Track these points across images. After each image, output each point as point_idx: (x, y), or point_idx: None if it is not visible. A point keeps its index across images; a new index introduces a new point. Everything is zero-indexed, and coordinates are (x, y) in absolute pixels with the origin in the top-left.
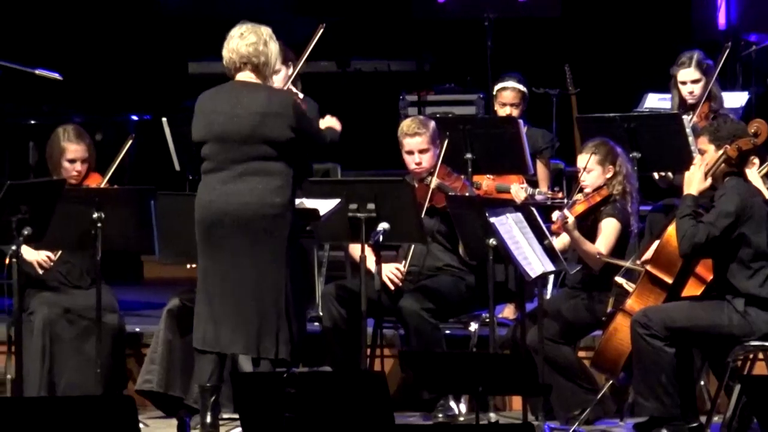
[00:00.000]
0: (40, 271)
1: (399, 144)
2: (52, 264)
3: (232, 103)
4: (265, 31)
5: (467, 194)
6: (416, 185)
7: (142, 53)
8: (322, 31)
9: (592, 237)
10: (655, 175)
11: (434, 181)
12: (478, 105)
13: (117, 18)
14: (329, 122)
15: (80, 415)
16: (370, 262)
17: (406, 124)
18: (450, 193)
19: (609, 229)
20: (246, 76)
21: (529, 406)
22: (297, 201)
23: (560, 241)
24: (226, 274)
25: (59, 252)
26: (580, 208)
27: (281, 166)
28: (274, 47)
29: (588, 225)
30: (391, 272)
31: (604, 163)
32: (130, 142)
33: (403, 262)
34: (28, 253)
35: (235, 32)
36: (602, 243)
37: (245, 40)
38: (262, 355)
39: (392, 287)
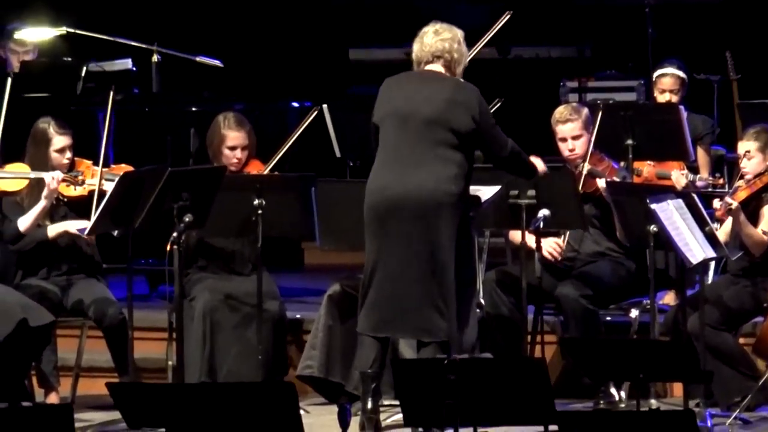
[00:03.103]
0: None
1: (552, 131)
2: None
3: (419, 87)
4: (459, 32)
5: (616, 179)
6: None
7: (303, 40)
8: (508, 17)
9: (753, 223)
10: None
11: (586, 167)
12: (639, 91)
13: (278, 5)
14: (534, 161)
15: (241, 401)
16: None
17: (558, 112)
18: (601, 179)
19: None
20: (435, 68)
21: (690, 392)
22: None
23: (723, 231)
24: (396, 259)
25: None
26: (742, 195)
27: (460, 157)
28: (465, 49)
29: (749, 211)
30: (551, 247)
31: (765, 149)
32: (300, 130)
33: (562, 237)
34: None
35: (429, 29)
36: (766, 228)
37: (440, 36)
38: (431, 338)
39: (551, 259)
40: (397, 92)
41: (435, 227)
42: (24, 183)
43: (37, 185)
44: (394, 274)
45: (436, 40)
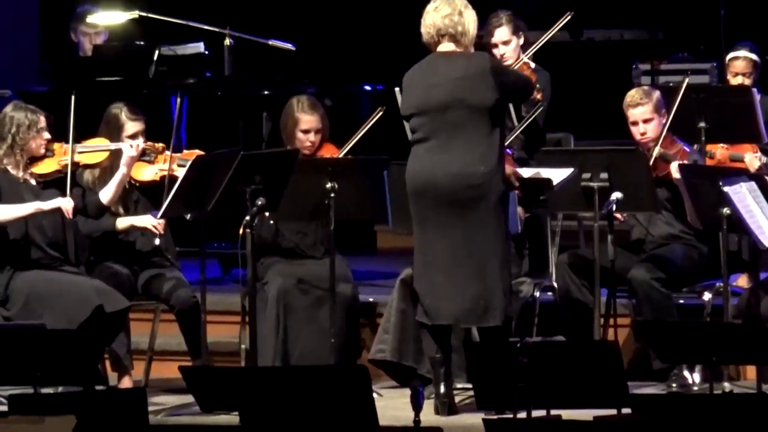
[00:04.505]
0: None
1: (624, 115)
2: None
3: (429, 74)
4: (459, 1)
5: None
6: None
7: (375, 23)
8: (568, 18)
9: None
10: None
11: (657, 150)
12: (712, 74)
13: None
14: None
15: (314, 384)
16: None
17: (629, 96)
18: (673, 162)
19: None
20: (446, 47)
21: (764, 375)
22: (532, 170)
23: None
24: (437, 245)
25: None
26: None
27: (484, 132)
28: (470, 15)
29: None
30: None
31: None
32: (380, 113)
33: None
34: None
35: (430, 7)
36: None
37: (440, 12)
38: (477, 324)
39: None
40: (415, 83)
41: (468, 211)
42: (103, 156)
43: (115, 159)
44: (436, 260)
45: (438, 17)
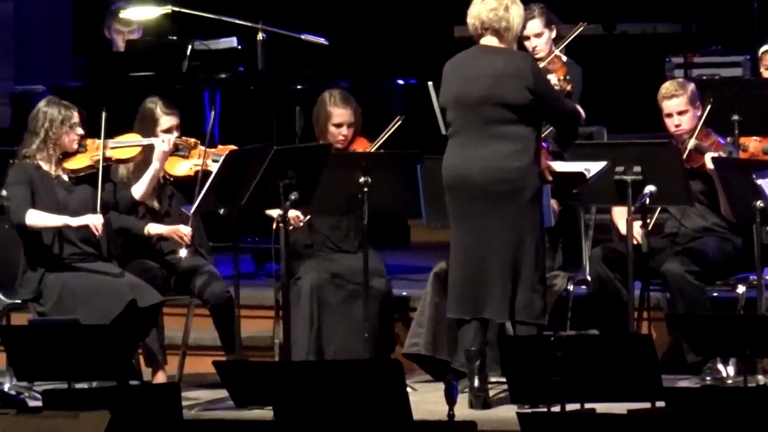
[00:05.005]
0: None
1: (658, 107)
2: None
3: (469, 68)
4: None
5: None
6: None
7: (407, 17)
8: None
9: None
10: None
11: (691, 143)
12: (745, 67)
13: None
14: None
15: (348, 378)
16: (637, 225)
17: (664, 87)
18: (707, 154)
19: None
20: (488, 41)
21: None
22: (566, 164)
23: None
24: (471, 239)
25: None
26: None
27: (520, 130)
28: (516, 11)
29: None
30: None
31: None
32: (398, 122)
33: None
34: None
35: None
36: None
37: (486, 5)
38: (507, 319)
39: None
40: (454, 75)
41: (504, 206)
42: (136, 151)
43: (148, 154)
44: (470, 254)
45: (483, 11)
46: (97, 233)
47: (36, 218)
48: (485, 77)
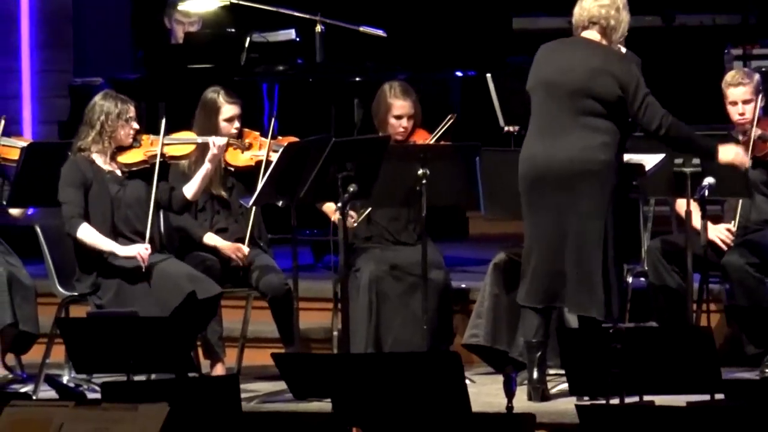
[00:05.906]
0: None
1: (723, 95)
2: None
3: (568, 56)
4: None
5: None
6: (740, 138)
7: (466, 9)
8: None
9: None
10: None
11: (755, 131)
12: None
13: None
14: (726, 149)
15: (407, 371)
16: (696, 217)
17: (730, 75)
18: None
19: None
20: (590, 35)
21: None
22: (625, 156)
23: None
24: (549, 229)
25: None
26: None
27: (609, 124)
28: (626, 16)
29: None
30: (722, 233)
31: None
32: (451, 120)
33: (732, 222)
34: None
35: None
36: None
37: (599, 1)
38: (579, 311)
39: (724, 248)
40: (549, 60)
41: (582, 197)
42: (190, 148)
43: (203, 151)
44: (547, 245)
45: (594, 5)
46: (143, 264)
47: (87, 236)
48: (583, 69)
